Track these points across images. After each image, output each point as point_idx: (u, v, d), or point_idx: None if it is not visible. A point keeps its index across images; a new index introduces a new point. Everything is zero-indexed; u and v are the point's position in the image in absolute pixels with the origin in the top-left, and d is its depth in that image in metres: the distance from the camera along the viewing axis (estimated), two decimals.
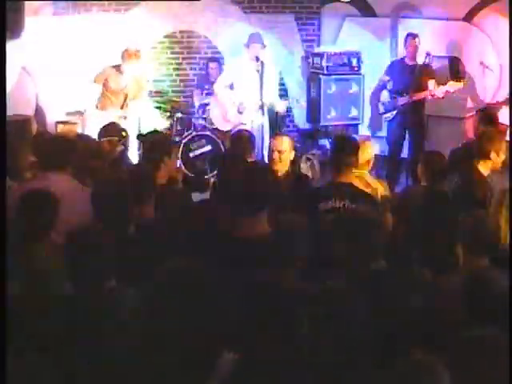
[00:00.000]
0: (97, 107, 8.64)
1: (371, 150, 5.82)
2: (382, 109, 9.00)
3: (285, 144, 5.66)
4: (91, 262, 3.39)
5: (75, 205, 4.42)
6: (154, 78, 10.34)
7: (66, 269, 3.46)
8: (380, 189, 5.55)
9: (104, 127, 6.58)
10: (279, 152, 5.59)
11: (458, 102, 8.93)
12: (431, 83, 8.63)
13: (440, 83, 8.66)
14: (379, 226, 3.90)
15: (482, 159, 5.61)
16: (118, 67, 8.60)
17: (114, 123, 6.87)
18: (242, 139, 6.06)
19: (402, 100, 8.69)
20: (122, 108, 8.57)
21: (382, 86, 9.05)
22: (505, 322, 3.08)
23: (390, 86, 8.92)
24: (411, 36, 8.84)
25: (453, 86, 8.54)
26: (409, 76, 8.65)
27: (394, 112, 8.79)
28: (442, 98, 8.55)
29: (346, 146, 5.06)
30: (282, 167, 5.58)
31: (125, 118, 8.40)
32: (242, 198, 3.99)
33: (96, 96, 8.68)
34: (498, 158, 5.62)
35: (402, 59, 8.95)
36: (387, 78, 8.98)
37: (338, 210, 4.74)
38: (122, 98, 8.61)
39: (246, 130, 6.90)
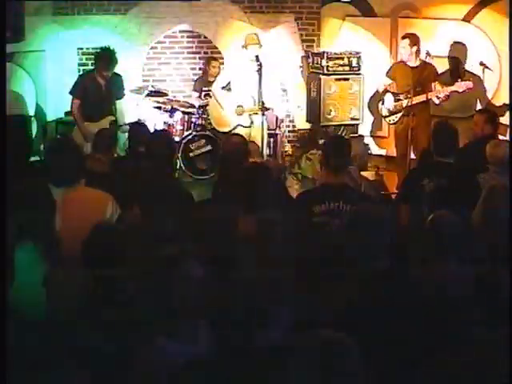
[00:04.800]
0: None
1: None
2: (385, 112, 8.74)
3: None
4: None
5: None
6: (154, 78, 10.35)
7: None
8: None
9: None
10: None
11: (465, 102, 8.80)
12: (435, 84, 8.38)
13: (444, 83, 8.47)
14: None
15: None
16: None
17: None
18: (234, 144, 6.05)
19: (405, 102, 8.41)
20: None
21: (385, 90, 8.79)
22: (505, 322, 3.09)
23: (393, 88, 8.70)
24: (407, 37, 8.60)
25: (460, 85, 8.29)
26: (411, 77, 8.33)
27: (399, 115, 8.55)
28: (447, 98, 8.34)
29: (339, 147, 5.03)
30: None
31: None
32: (243, 197, 3.99)
33: None
34: None
35: (403, 61, 8.66)
36: (390, 80, 8.76)
37: (333, 212, 4.72)
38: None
39: (238, 134, 6.87)
